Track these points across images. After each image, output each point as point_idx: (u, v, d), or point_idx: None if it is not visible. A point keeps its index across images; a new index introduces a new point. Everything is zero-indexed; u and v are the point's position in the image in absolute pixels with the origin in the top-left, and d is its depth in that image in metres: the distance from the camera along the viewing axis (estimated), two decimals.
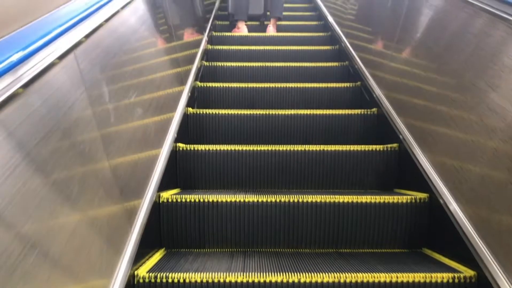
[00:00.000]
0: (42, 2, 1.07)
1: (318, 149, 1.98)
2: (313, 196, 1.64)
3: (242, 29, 3.82)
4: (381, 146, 2.00)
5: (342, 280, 1.28)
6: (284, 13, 4.01)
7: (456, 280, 1.28)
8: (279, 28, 3.92)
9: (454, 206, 1.40)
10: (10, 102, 0.75)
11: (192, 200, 1.63)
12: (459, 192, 1.40)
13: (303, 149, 1.98)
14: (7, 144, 0.75)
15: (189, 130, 2.28)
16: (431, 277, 1.29)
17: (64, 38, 0.99)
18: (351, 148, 1.98)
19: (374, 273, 1.30)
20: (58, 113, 0.94)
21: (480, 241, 1.24)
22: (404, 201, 1.64)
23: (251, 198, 1.64)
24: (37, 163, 0.82)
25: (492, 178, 1.24)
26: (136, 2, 1.74)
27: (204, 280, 1.28)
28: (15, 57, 0.79)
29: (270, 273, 1.30)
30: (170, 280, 1.28)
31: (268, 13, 4.00)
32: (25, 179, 0.77)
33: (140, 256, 1.30)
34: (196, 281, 1.28)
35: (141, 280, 1.27)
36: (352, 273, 1.30)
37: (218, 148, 1.98)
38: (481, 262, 1.21)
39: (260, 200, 1.64)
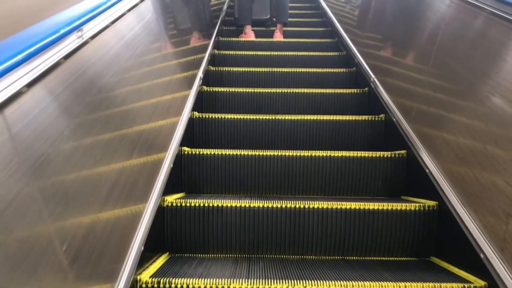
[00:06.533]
0: None
1: (324, 154, 1.95)
2: (319, 202, 1.62)
3: (249, 35, 3.82)
4: (389, 152, 1.97)
5: None
6: (290, 19, 4.01)
7: None
8: (286, 34, 3.91)
9: (464, 214, 1.37)
10: None
11: (197, 204, 1.61)
12: (470, 200, 1.37)
13: (309, 154, 1.96)
14: None
15: (194, 134, 2.26)
16: (440, 286, 1.26)
17: None
18: (358, 154, 1.96)
19: (381, 282, 1.27)
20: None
21: (492, 250, 1.21)
22: (413, 208, 1.61)
23: (256, 203, 1.62)
24: (40, 162, 0.81)
25: (505, 185, 1.21)
26: (142, 5, 1.73)
27: (208, 287, 1.26)
28: None
29: (275, 280, 1.28)
30: (173, 286, 1.26)
31: (274, 19, 4.00)
32: (26, 179, 0.76)
33: (143, 260, 1.28)
34: (199, 287, 1.26)
35: (143, 285, 1.25)
36: (359, 282, 1.27)
37: (223, 153, 1.96)
38: (494, 272, 1.18)
39: (265, 205, 1.61)
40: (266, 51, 3.29)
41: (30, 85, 0.84)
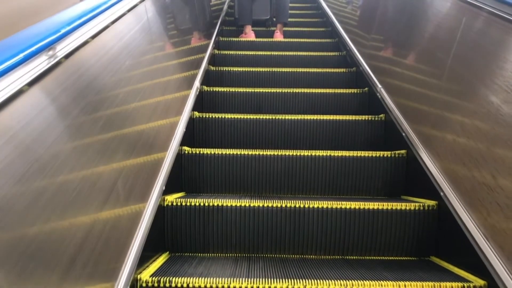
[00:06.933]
0: None
1: (324, 154, 1.96)
2: (319, 202, 1.62)
3: (249, 35, 3.82)
4: (389, 152, 1.97)
5: None
6: (290, 20, 4.01)
7: None
8: (286, 34, 3.91)
9: (464, 214, 1.37)
10: None
11: (197, 204, 1.61)
12: (470, 199, 1.37)
13: (309, 154, 1.96)
14: None
15: (195, 133, 2.27)
16: (440, 286, 1.26)
17: None
18: (358, 154, 1.96)
19: (381, 281, 1.27)
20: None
21: (492, 249, 1.21)
22: (412, 208, 1.61)
23: (256, 203, 1.62)
24: (42, 163, 0.81)
25: (505, 184, 1.21)
26: (141, 6, 1.74)
27: (208, 286, 1.26)
28: None
29: (275, 280, 1.28)
30: (173, 285, 1.27)
31: (274, 19, 4.00)
32: (26, 180, 0.76)
33: (143, 259, 1.29)
34: (199, 286, 1.26)
35: (144, 285, 1.25)
36: (359, 281, 1.27)
37: (223, 152, 1.96)
38: (493, 271, 1.18)
39: (265, 205, 1.62)
40: (266, 51, 3.30)
41: None
